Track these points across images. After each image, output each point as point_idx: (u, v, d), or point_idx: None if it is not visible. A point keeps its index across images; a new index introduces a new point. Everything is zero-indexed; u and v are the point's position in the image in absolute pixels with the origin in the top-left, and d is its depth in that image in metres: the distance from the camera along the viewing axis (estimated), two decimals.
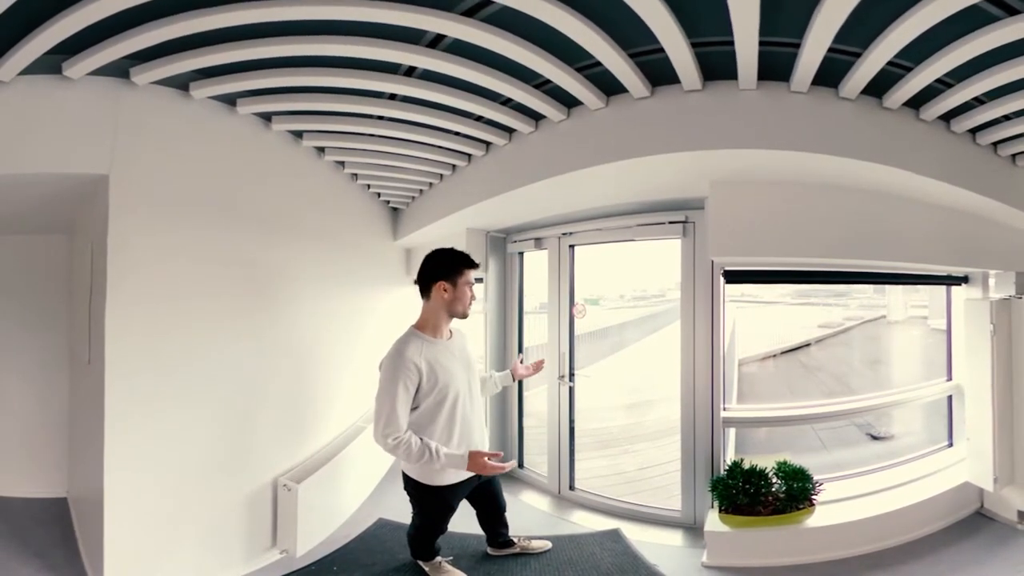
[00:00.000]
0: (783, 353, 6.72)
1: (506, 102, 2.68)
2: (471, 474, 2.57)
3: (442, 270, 2.53)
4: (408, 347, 2.42)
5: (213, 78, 2.51)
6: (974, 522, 3.39)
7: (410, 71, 2.43)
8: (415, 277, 2.59)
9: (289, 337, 3.33)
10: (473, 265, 2.60)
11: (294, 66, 2.39)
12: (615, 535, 3.33)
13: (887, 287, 5.41)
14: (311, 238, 3.53)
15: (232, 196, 2.96)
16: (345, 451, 3.59)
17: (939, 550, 3.07)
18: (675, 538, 3.38)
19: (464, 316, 2.59)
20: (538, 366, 3.09)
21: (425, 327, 2.54)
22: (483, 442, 2.68)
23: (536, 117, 2.82)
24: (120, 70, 2.34)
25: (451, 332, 2.63)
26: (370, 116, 2.90)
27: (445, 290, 2.51)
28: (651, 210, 3.58)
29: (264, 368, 3.15)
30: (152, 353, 2.59)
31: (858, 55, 2.09)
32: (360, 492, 3.90)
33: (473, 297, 2.61)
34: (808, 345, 6.82)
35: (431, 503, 2.60)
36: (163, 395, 2.63)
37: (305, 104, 2.78)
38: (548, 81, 2.39)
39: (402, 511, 2.84)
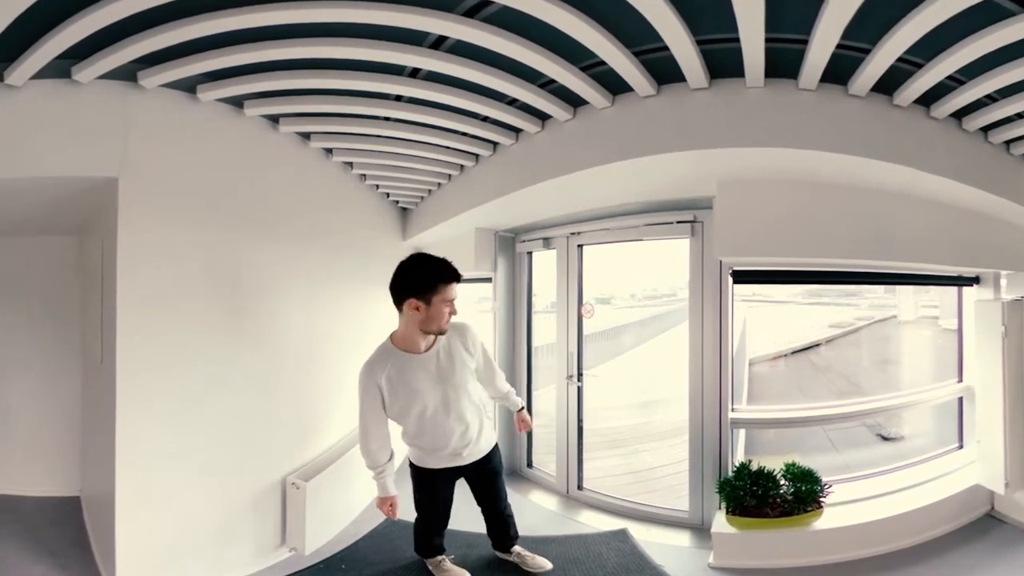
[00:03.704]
0: (794, 353, 6.68)
1: (512, 102, 2.67)
2: (453, 464, 2.60)
3: (414, 287, 2.31)
4: (374, 365, 2.40)
5: (220, 81, 2.52)
6: (984, 525, 3.34)
7: (415, 72, 2.43)
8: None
9: (297, 336, 3.34)
10: (452, 279, 2.35)
11: (299, 68, 2.39)
12: (622, 535, 3.33)
13: (898, 287, 5.35)
14: (320, 238, 3.54)
15: (240, 197, 2.97)
16: (353, 449, 3.56)
17: (948, 553, 3.04)
18: (682, 539, 3.37)
19: (441, 333, 2.40)
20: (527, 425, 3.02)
21: (398, 340, 2.44)
22: (463, 446, 2.55)
23: (542, 117, 2.81)
24: (128, 74, 2.35)
25: (434, 339, 2.45)
26: (377, 117, 2.89)
27: (417, 308, 2.31)
28: (659, 209, 3.57)
29: (273, 367, 3.16)
30: (163, 353, 2.61)
31: (867, 52, 2.06)
32: (367, 490, 3.87)
33: (453, 312, 2.37)
34: (818, 345, 6.78)
35: (418, 482, 2.71)
36: (174, 394, 2.65)
37: (312, 106, 2.78)
38: (553, 81, 2.38)
39: (409, 509, 2.84)
